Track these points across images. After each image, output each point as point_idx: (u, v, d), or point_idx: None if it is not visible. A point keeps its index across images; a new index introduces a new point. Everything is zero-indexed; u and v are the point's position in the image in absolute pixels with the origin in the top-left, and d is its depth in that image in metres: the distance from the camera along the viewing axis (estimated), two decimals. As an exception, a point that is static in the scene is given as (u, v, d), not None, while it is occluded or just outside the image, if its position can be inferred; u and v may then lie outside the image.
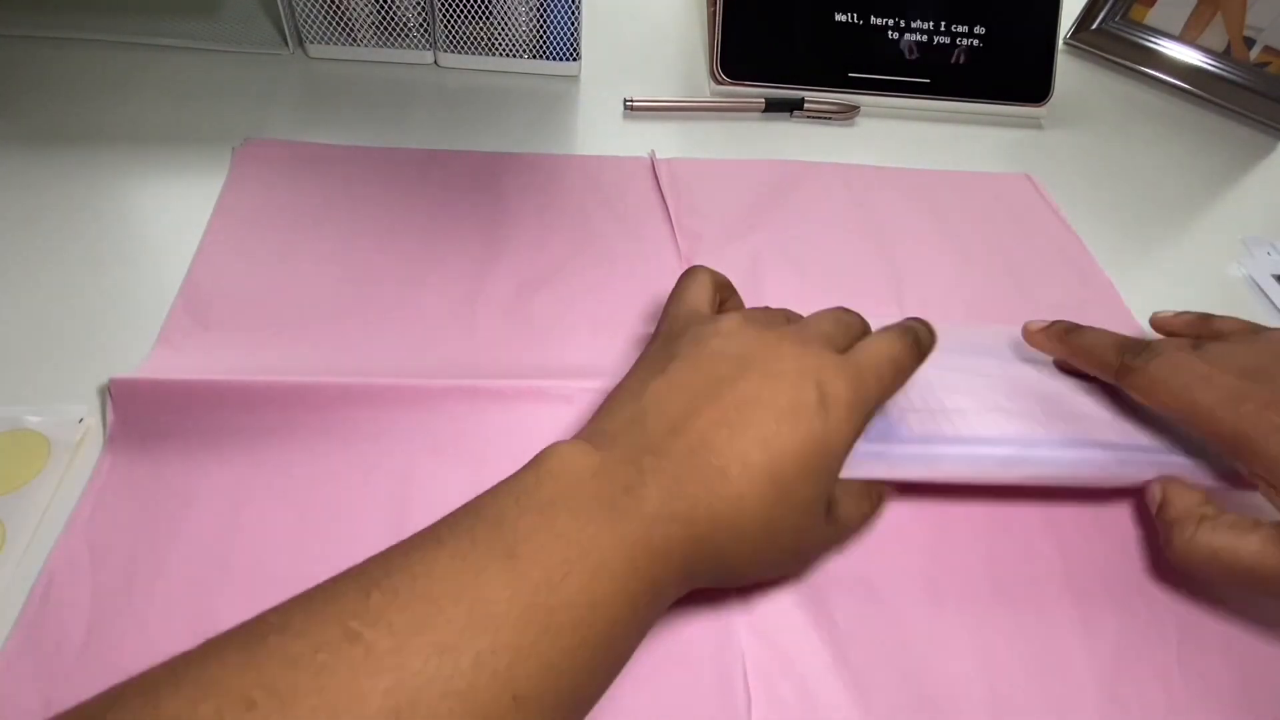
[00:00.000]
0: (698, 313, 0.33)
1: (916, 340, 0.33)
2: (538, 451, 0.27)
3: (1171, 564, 0.33)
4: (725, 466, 0.26)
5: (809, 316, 0.33)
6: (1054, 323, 0.39)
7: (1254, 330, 0.38)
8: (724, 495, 0.26)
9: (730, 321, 0.31)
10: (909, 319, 0.34)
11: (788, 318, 0.34)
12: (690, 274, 0.35)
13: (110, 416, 0.35)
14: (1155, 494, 0.35)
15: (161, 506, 0.33)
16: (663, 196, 0.51)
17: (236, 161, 0.49)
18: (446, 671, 0.21)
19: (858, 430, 0.29)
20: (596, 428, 0.29)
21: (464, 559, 0.23)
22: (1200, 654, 0.34)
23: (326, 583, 0.24)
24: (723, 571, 0.28)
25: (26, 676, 0.28)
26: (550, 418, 0.37)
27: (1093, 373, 0.37)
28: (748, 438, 0.27)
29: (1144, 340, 0.36)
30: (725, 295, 0.37)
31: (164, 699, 0.20)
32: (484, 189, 0.50)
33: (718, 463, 0.26)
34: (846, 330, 0.32)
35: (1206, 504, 0.33)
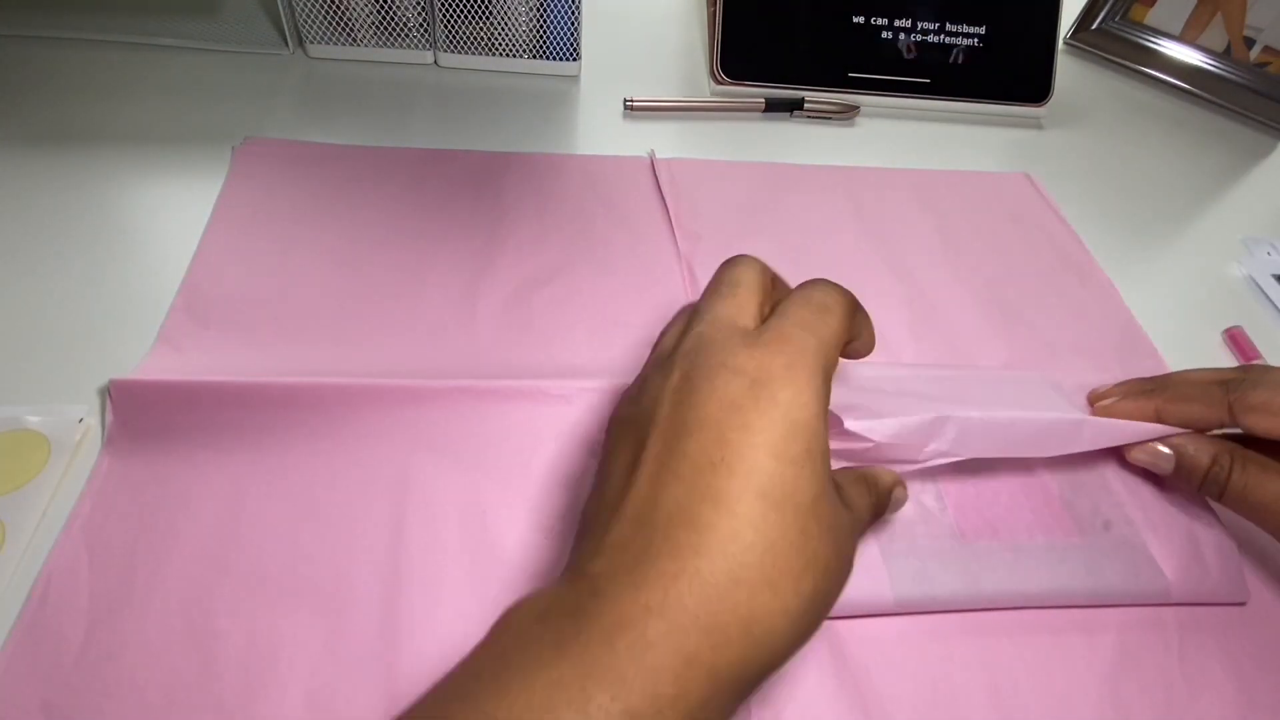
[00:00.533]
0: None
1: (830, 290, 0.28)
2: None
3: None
4: (698, 533, 0.21)
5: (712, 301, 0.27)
6: (1122, 384, 0.36)
7: None
8: (706, 566, 0.20)
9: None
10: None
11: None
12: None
13: (109, 417, 0.35)
14: (1168, 466, 0.34)
15: (160, 507, 0.33)
16: (662, 197, 0.51)
17: (236, 161, 0.49)
18: None
19: (818, 389, 0.23)
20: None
21: None
22: (1199, 654, 0.34)
23: None
24: (771, 644, 0.21)
25: (25, 677, 0.28)
26: (549, 418, 0.37)
27: (1192, 424, 0.34)
28: (706, 496, 0.21)
29: (1236, 371, 0.34)
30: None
31: None
32: (484, 189, 0.50)
33: (685, 528, 0.21)
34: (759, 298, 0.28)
35: (1226, 444, 0.33)
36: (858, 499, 0.27)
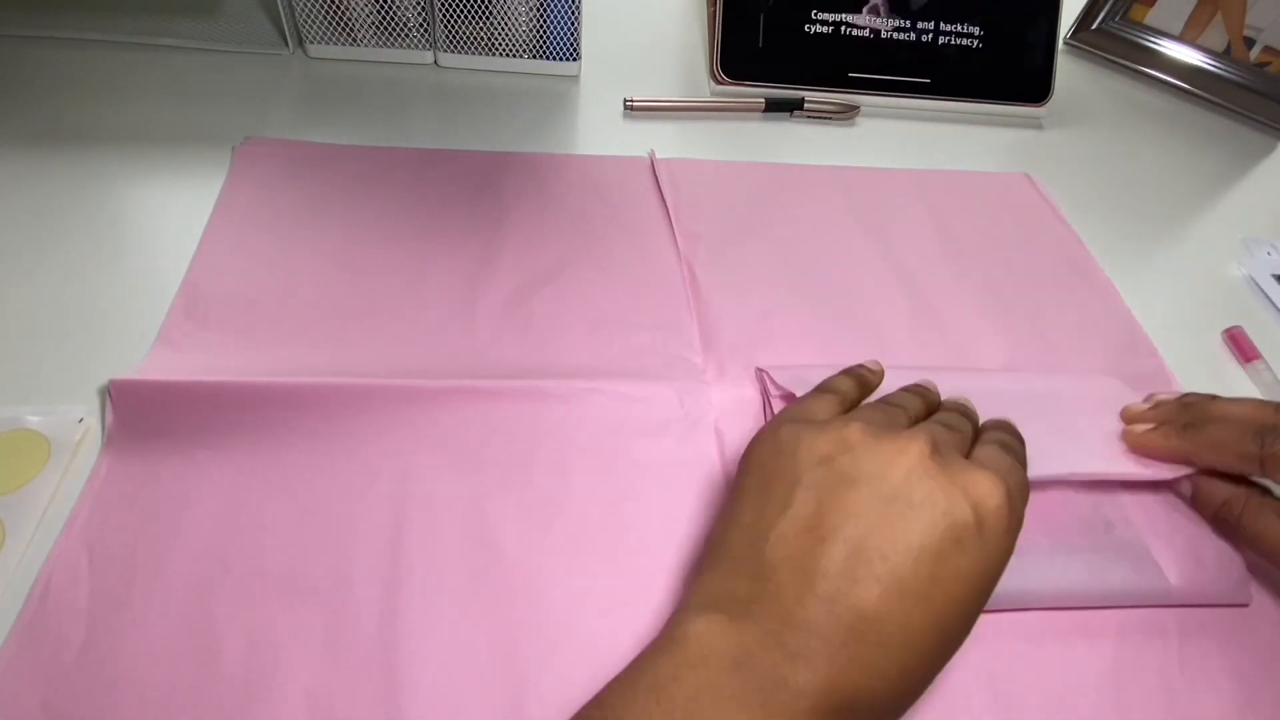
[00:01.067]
0: (810, 422, 0.29)
1: (1018, 459, 0.30)
2: (670, 622, 0.25)
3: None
4: (885, 639, 0.23)
5: (924, 420, 0.30)
6: (1157, 408, 0.36)
7: None
8: (887, 674, 0.23)
9: (852, 431, 0.27)
10: (993, 430, 0.31)
11: (905, 412, 0.31)
12: (815, 396, 0.32)
13: (109, 417, 0.35)
14: (1186, 491, 0.35)
15: (160, 507, 0.33)
16: (662, 196, 0.51)
17: (236, 160, 0.49)
18: None
19: (1012, 550, 0.26)
20: (722, 587, 0.26)
21: None
22: (1200, 655, 0.33)
23: None
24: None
25: (25, 676, 0.28)
26: (548, 417, 0.37)
27: (1223, 467, 0.34)
28: (906, 597, 0.24)
29: (1274, 412, 0.33)
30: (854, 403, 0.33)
31: None
32: (484, 189, 0.50)
33: (876, 637, 0.23)
34: (963, 434, 0.30)
35: (1241, 489, 0.33)
36: None
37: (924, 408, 0.32)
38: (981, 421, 0.33)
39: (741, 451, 0.30)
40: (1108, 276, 0.50)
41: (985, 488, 0.25)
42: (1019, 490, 0.27)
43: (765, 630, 0.24)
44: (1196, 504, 0.35)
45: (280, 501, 0.34)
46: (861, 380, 0.34)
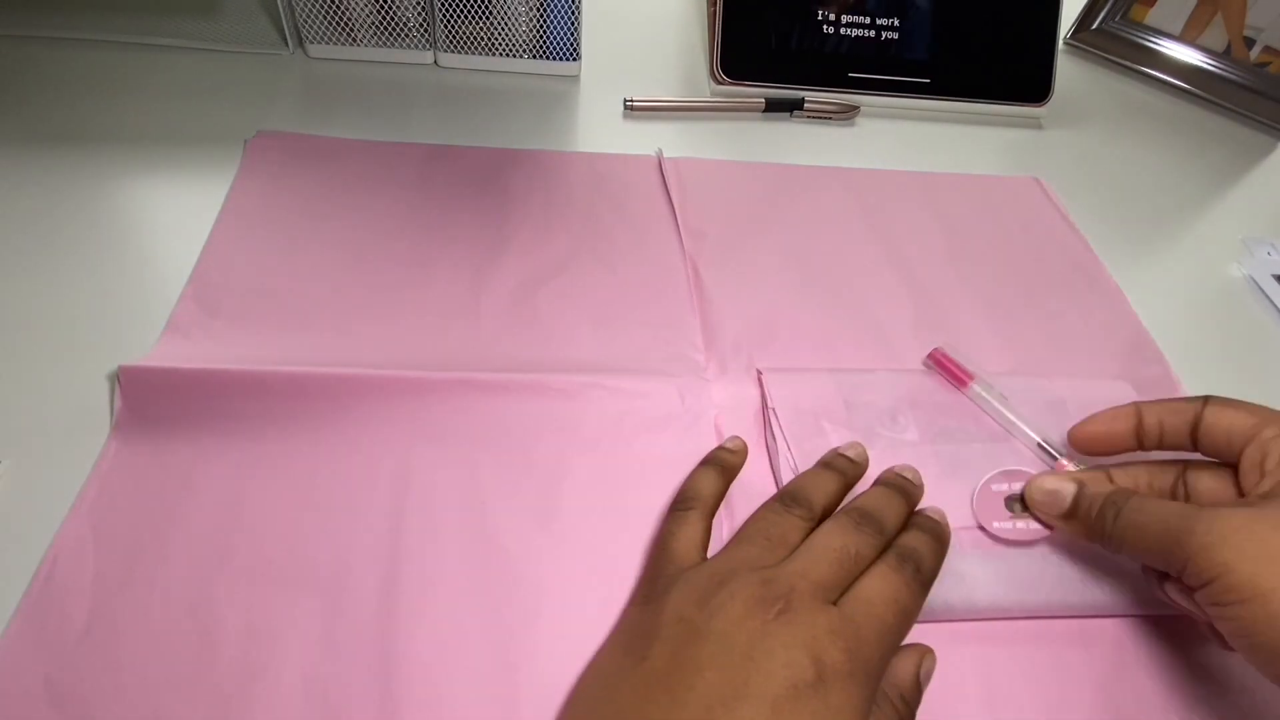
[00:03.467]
0: (682, 569, 0.30)
1: (918, 570, 0.29)
2: None
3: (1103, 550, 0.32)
4: None
5: (806, 551, 0.29)
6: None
7: None
8: None
9: (723, 596, 0.27)
10: (908, 537, 0.31)
11: (789, 540, 0.30)
12: (679, 521, 0.32)
13: (118, 403, 0.35)
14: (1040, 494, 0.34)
15: (165, 492, 0.33)
16: (669, 194, 0.51)
17: (248, 153, 0.49)
18: None
19: (866, 696, 0.26)
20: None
21: None
22: (1196, 663, 0.33)
23: None
24: None
25: (29, 654, 0.29)
26: (550, 412, 0.38)
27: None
28: None
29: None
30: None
31: None
32: (492, 183, 0.50)
33: None
34: (851, 566, 0.29)
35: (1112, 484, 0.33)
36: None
37: (891, 517, 0.32)
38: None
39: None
40: (1116, 283, 0.50)
41: (825, 640, 0.26)
42: (874, 631, 0.27)
43: None
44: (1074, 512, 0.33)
45: (282, 489, 0.34)
46: (725, 470, 0.35)
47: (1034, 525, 0.34)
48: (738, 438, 0.36)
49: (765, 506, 0.32)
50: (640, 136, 0.56)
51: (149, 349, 0.38)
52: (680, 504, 0.33)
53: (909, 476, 0.34)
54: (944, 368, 0.41)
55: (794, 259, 0.48)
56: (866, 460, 0.35)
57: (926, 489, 0.34)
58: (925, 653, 0.29)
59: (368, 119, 0.54)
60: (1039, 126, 0.63)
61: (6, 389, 0.36)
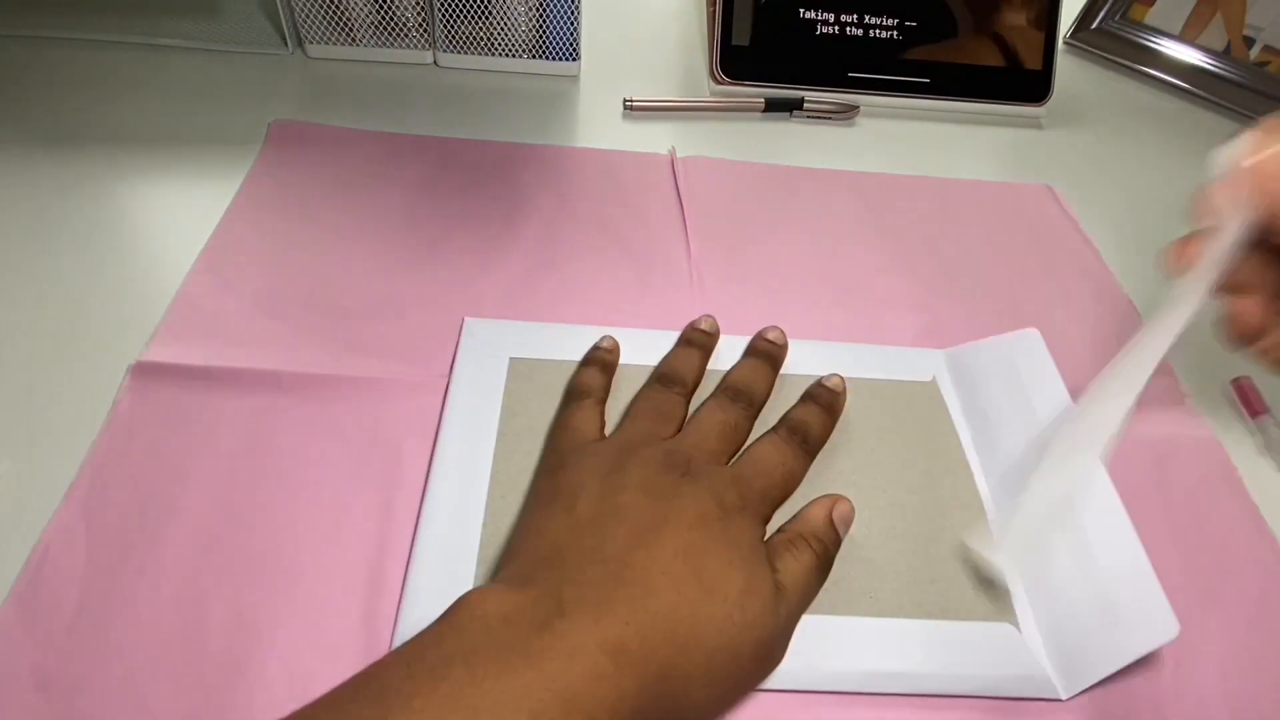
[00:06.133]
0: (587, 442, 0.34)
1: (805, 440, 0.35)
2: (456, 599, 0.25)
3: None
4: (650, 581, 0.26)
5: (694, 428, 0.34)
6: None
7: None
8: (654, 610, 0.26)
9: (628, 461, 0.31)
10: (799, 410, 0.36)
11: (674, 414, 0.35)
12: (577, 407, 0.36)
13: (119, 395, 0.36)
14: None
15: (157, 484, 0.33)
16: (679, 193, 0.51)
17: (267, 140, 0.50)
18: None
19: (758, 528, 0.31)
20: (511, 571, 0.28)
21: None
22: (1195, 672, 0.33)
23: None
24: (680, 703, 0.26)
25: (18, 642, 0.29)
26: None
27: None
28: (665, 551, 0.27)
29: None
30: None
31: None
32: (500, 177, 0.51)
33: (642, 580, 0.26)
34: (734, 436, 0.35)
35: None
36: (794, 566, 0.30)
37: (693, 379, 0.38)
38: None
39: None
40: (1126, 294, 0.49)
41: (722, 486, 0.31)
42: (763, 484, 0.32)
43: (543, 590, 0.26)
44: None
45: (274, 482, 0.34)
46: (605, 366, 0.38)
47: None
48: (710, 317, 0.41)
49: (647, 386, 0.37)
50: (640, 136, 0.56)
51: (148, 339, 0.38)
52: (576, 395, 0.36)
53: (773, 339, 0.40)
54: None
55: (799, 261, 0.48)
56: (718, 330, 0.41)
57: None
58: (837, 500, 0.33)
59: (367, 118, 0.54)
60: (1039, 126, 0.63)
61: (2, 380, 0.37)
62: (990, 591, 0.33)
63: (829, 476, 0.36)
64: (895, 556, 0.34)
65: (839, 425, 0.38)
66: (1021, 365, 0.40)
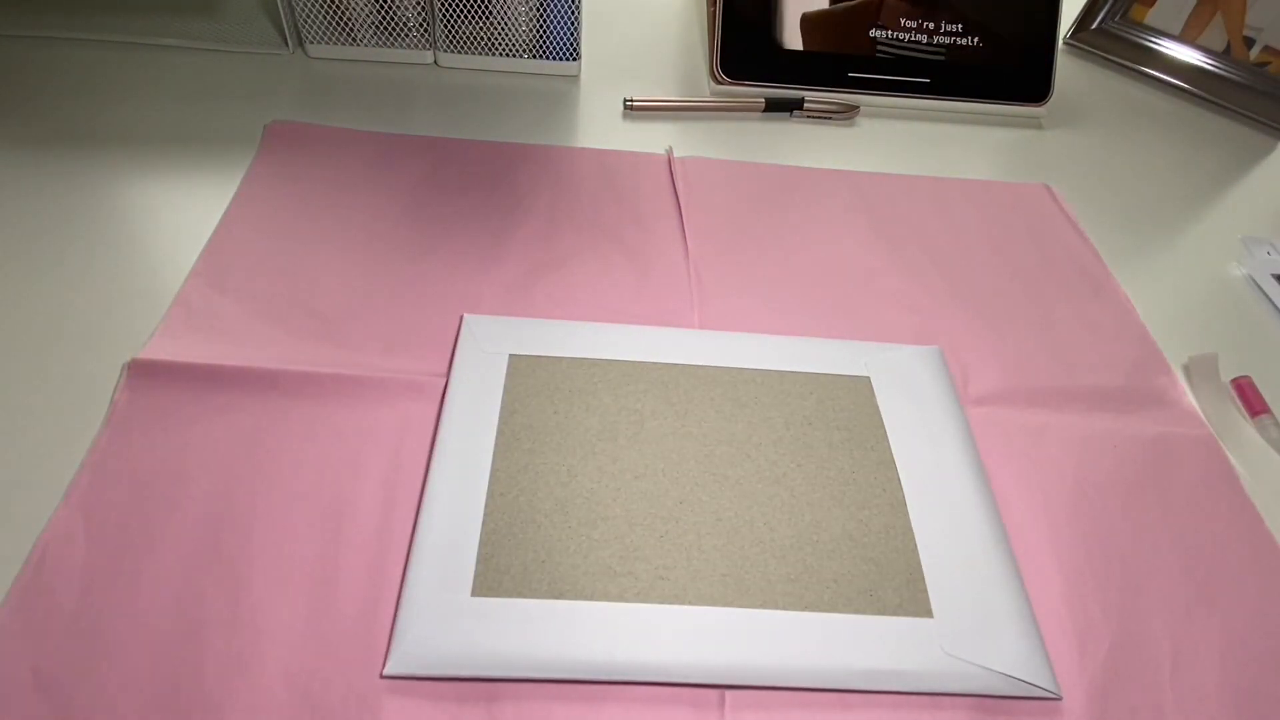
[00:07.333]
0: None
1: None
2: None
3: None
4: None
5: None
6: None
7: None
8: None
9: None
10: None
11: None
12: None
13: (118, 394, 0.36)
14: None
15: (156, 484, 0.33)
16: (676, 193, 0.51)
17: (262, 142, 0.50)
18: None
19: None
20: None
21: None
22: (1194, 672, 0.33)
23: None
24: None
25: (17, 641, 0.29)
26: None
27: None
28: None
29: None
30: None
31: None
32: (500, 175, 0.51)
33: None
34: None
35: None
36: None
37: None
38: None
39: None
40: (1125, 293, 0.49)
41: None
42: None
43: None
44: None
45: (272, 483, 0.34)
46: None
47: None
48: None
49: None
50: (640, 136, 0.56)
51: (147, 338, 0.38)
52: None
53: None
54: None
55: (796, 260, 0.48)
56: None
57: None
58: None
59: (367, 118, 0.54)
60: (1039, 126, 0.63)
61: (4, 378, 0.37)
62: (909, 587, 0.33)
63: (763, 467, 0.36)
64: (825, 551, 0.34)
65: (771, 416, 0.38)
66: (924, 379, 0.41)
